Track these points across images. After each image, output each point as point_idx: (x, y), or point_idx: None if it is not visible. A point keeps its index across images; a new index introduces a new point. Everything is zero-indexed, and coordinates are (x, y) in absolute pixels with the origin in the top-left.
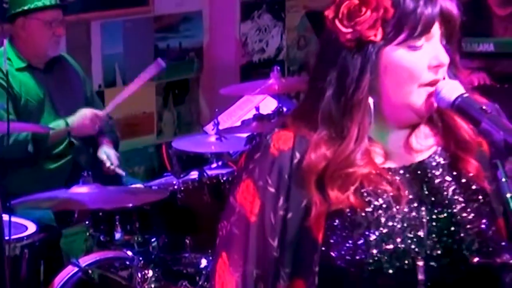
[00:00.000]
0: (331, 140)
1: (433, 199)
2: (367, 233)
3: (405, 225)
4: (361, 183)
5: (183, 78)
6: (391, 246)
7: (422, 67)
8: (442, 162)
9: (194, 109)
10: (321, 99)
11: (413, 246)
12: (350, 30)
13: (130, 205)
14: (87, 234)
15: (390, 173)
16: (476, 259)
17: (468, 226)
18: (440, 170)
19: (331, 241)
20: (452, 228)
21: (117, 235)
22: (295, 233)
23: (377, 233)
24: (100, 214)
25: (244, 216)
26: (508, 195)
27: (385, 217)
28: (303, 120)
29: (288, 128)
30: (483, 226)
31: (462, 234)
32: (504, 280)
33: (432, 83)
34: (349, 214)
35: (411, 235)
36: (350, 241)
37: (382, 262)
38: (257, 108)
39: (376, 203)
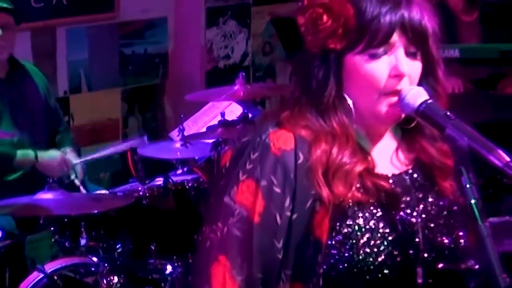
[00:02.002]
0: (327, 135)
1: (421, 207)
2: (369, 236)
3: (403, 230)
4: (361, 180)
5: (149, 84)
6: (396, 252)
7: (382, 76)
8: (419, 179)
9: (159, 115)
10: (300, 103)
11: (411, 252)
12: (313, 37)
13: (95, 211)
14: (53, 240)
15: (383, 178)
16: (440, 265)
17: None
18: (422, 182)
19: (334, 242)
20: (442, 238)
21: (83, 241)
22: (298, 234)
23: (378, 236)
24: (66, 220)
25: (246, 217)
26: (472, 201)
27: (384, 221)
28: (298, 118)
29: (285, 127)
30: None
31: (447, 241)
32: (469, 285)
33: (394, 93)
34: (352, 217)
35: (409, 242)
36: (353, 245)
37: (383, 266)
38: (223, 114)
39: (371, 203)
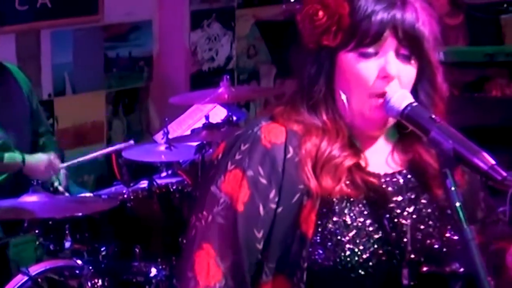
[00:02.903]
0: (318, 129)
1: (412, 209)
2: (355, 235)
3: (391, 229)
4: (350, 174)
5: (133, 87)
6: (380, 252)
7: (371, 76)
8: (412, 180)
9: (144, 118)
10: (294, 98)
11: (397, 252)
12: (309, 33)
13: (80, 214)
14: (37, 243)
15: (373, 175)
16: (425, 268)
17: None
18: (416, 183)
19: (320, 238)
20: (432, 240)
21: (67, 244)
22: (284, 228)
23: (365, 233)
24: (50, 223)
25: (230, 205)
26: (457, 204)
27: (372, 219)
28: (291, 113)
29: (278, 121)
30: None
31: (435, 243)
32: None
33: (380, 95)
34: (338, 214)
35: (396, 242)
36: (338, 241)
37: (368, 264)
38: (207, 117)
39: (364, 200)
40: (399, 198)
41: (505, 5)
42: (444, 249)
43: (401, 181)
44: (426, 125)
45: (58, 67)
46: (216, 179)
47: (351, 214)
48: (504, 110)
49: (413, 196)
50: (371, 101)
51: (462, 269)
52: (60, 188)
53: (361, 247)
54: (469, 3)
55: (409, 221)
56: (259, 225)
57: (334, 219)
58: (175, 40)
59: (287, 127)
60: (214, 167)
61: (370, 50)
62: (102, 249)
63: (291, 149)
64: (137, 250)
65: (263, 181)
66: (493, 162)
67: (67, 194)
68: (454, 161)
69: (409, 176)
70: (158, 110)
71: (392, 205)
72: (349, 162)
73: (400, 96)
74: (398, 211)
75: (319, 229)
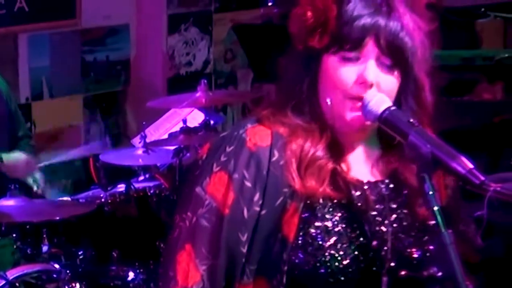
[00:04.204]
0: (303, 130)
1: (393, 217)
2: (336, 240)
3: (371, 237)
4: (333, 176)
5: (110, 91)
6: (361, 258)
7: (349, 80)
8: (395, 190)
9: (121, 122)
10: (280, 99)
11: (377, 259)
12: (297, 32)
13: (57, 218)
14: (14, 247)
15: (357, 181)
16: (403, 272)
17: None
18: (398, 193)
19: (301, 242)
20: (412, 249)
21: (44, 248)
22: (266, 230)
23: (345, 239)
24: (27, 227)
25: (216, 208)
26: (436, 208)
27: (353, 225)
28: (278, 115)
29: (264, 123)
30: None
31: (416, 252)
32: None
33: (358, 98)
34: (321, 219)
35: (376, 250)
36: (319, 246)
37: (348, 270)
38: (184, 121)
39: (342, 200)
40: (381, 207)
41: (482, 9)
42: (425, 259)
43: (384, 190)
44: (404, 129)
45: (36, 71)
46: (201, 180)
47: (333, 220)
48: (481, 114)
49: (394, 206)
50: (348, 103)
51: (440, 273)
52: (38, 191)
53: (341, 253)
54: (446, 6)
55: (390, 229)
56: (243, 228)
57: (316, 224)
58: (153, 44)
59: (273, 129)
60: (199, 167)
61: (352, 55)
62: (79, 253)
63: (276, 152)
64: (115, 254)
65: (248, 184)
66: (471, 166)
67: (48, 193)
68: (432, 166)
69: (391, 186)
70: (136, 114)
71: (373, 212)
72: (332, 164)
73: (379, 100)
74: (379, 219)
75: (301, 233)
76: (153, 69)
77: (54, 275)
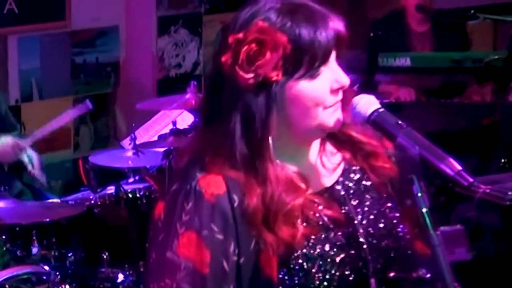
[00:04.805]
0: (258, 176)
1: (360, 217)
2: (320, 263)
3: (349, 247)
4: (303, 213)
5: (100, 93)
6: (347, 272)
7: (325, 92)
8: (355, 178)
9: (111, 124)
10: (232, 142)
11: (360, 265)
12: (252, 74)
13: (47, 219)
14: (4, 249)
15: (318, 196)
16: (392, 274)
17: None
18: (355, 186)
19: (287, 276)
20: (385, 241)
21: (34, 250)
22: (248, 277)
23: (328, 260)
24: (17, 229)
25: (194, 270)
26: (424, 210)
27: (332, 243)
28: (221, 160)
29: (211, 170)
30: (399, 231)
31: (392, 245)
32: None
33: (336, 104)
34: (300, 249)
35: (357, 256)
36: (306, 274)
37: (341, 285)
38: (174, 123)
39: (321, 231)
40: (346, 209)
41: (472, 11)
42: (399, 245)
43: (342, 191)
44: (392, 131)
45: (25, 72)
46: (170, 244)
47: (310, 245)
48: (470, 116)
49: (356, 202)
50: (328, 111)
51: (428, 275)
52: (33, 171)
53: (327, 276)
54: (436, 9)
55: (361, 230)
56: (227, 281)
57: (296, 254)
58: (142, 46)
59: (223, 174)
60: (161, 229)
61: (321, 69)
62: (69, 255)
63: (235, 198)
64: (104, 256)
65: (219, 237)
66: (459, 168)
67: (43, 177)
68: (420, 167)
69: (346, 182)
70: (125, 116)
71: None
72: (298, 201)
73: (367, 102)
74: (349, 225)
75: (284, 269)
76: (142, 71)
77: (44, 277)
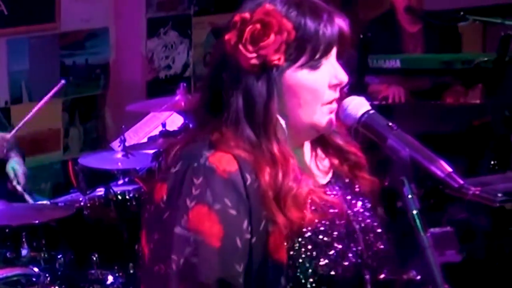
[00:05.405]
0: (267, 158)
1: (354, 215)
2: (328, 250)
3: (349, 240)
4: (311, 199)
5: (90, 95)
6: (346, 263)
7: (324, 86)
8: (346, 181)
9: (100, 126)
10: (236, 123)
11: (359, 261)
12: (254, 54)
13: (37, 221)
14: None
15: (319, 189)
16: (382, 276)
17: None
18: (347, 188)
19: (295, 262)
20: (379, 244)
21: (24, 252)
22: (258, 258)
23: (333, 249)
24: (6, 230)
25: (204, 243)
26: (414, 212)
27: (334, 232)
28: (229, 140)
29: (220, 149)
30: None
31: (384, 247)
32: None
33: (333, 101)
34: (308, 233)
35: (355, 249)
36: (314, 260)
37: (344, 277)
38: (164, 125)
39: (326, 220)
40: (345, 206)
41: (461, 13)
42: (388, 249)
43: (338, 187)
44: (383, 133)
45: (15, 74)
46: (179, 220)
47: (316, 231)
48: (460, 117)
49: (350, 197)
50: (325, 109)
51: (419, 277)
52: (19, 188)
53: (331, 264)
54: (426, 10)
55: (357, 226)
56: (239, 259)
57: (302, 239)
58: (132, 48)
59: (233, 154)
60: (164, 209)
61: (322, 61)
62: (59, 257)
63: (248, 176)
64: (94, 258)
65: (233, 212)
66: (450, 169)
67: (26, 195)
68: (411, 169)
69: (338, 183)
70: (115, 118)
71: (348, 211)
72: (306, 188)
73: (357, 104)
74: (351, 218)
75: (292, 253)
76: (132, 72)
77: (34, 279)
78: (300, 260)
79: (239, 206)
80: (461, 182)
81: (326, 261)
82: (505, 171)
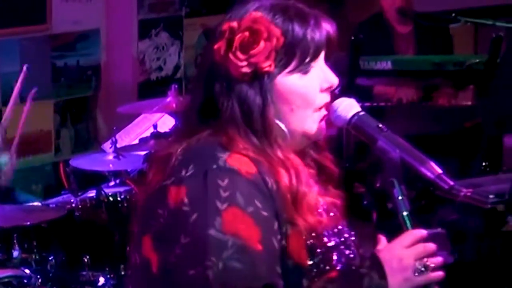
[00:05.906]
0: (278, 163)
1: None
2: (339, 255)
3: (347, 244)
4: (321, 204)
5: (81, 96)
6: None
7: (315, 90)
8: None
9: (92, 127)
10: (238, 130)
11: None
12: (245, 63)
13: (28, 223)
14: None
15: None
16: None
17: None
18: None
19: (313, 264)
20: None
21: (15, 253)
22: (285, 260)
23: (341, 253)
24: None
25: (245, 246)
26: (405, 213)
27: (342, 237)
28: (239, 143)
29: (235, 151)
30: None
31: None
32: None
33: (324, 106)
34: (321, 236)
35: (349, 252)
36: (327, 264)
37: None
38: (155, 126)
39: (335, 223)
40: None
41: (453, 15)
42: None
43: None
44: (373, 134)
45: (6, 76)
46: (212, 222)
47: (329, 234)
48: (452, 119)
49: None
50: (316, 116)
51: None
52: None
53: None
54: (417, 11)
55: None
56: (278, 260)
57: (321, 244)
58: (123, 49)
59: (248, 156)
60: (189, 212)
61: (312, 65)
62: (50, 259)
63: (267, 178)
64: (85, 259)
65: (264, 213)
66: (440, 171)
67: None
68: (401, 170)
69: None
70: (106, 119)
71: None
72: (315, 191)
73: (347, 105)
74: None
75: (310, 256)
76: (123, 74)
77: (25, 281)
78: (316, 264)
79: (267, 207)
80: (451, 183)
81: (338, 266)
82: (497, 172)
